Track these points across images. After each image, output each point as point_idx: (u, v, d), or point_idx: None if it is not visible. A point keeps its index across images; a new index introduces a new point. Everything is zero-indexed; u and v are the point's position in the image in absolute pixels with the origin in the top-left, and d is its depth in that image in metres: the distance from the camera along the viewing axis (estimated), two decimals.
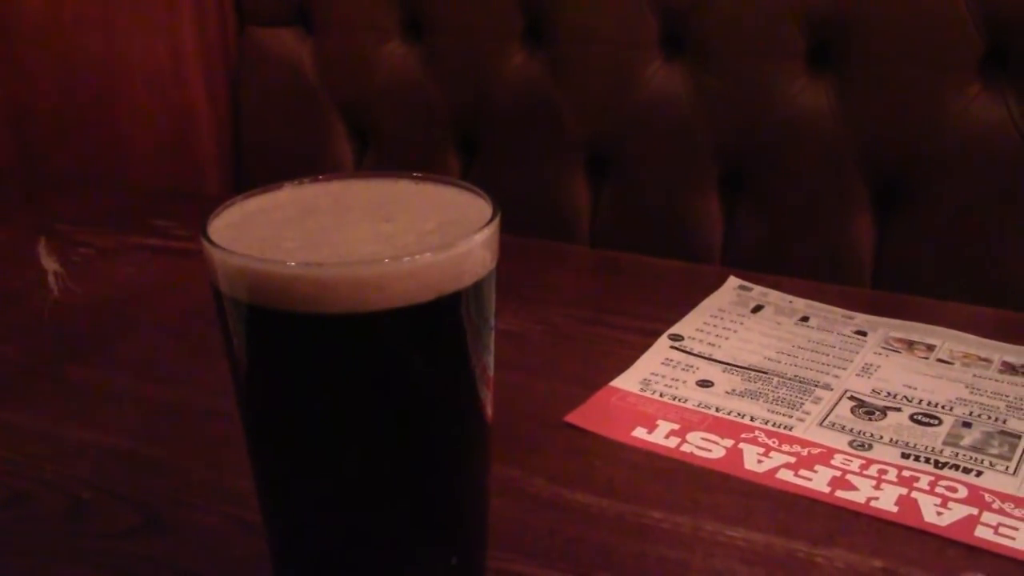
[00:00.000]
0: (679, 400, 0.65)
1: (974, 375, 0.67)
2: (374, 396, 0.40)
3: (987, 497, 0.55)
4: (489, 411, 0.44)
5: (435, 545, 0.43)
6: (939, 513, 0.54)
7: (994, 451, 0.59)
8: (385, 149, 1.27)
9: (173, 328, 0.78)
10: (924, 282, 1.00)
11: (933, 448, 0.59)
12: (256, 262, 0.38)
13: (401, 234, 0.42)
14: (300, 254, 0.40)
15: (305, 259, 0.39)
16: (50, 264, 0.82)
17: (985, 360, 0.69)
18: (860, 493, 0.56)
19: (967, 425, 0.62)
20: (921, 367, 0.68)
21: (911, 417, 0.63)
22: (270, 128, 1.32)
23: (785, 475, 0.58)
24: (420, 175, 0.45)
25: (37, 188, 1.13)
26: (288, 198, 0.44)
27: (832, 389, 0.66)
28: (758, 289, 0.80)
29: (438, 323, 0.40)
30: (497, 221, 0.41)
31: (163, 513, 0.56)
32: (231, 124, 1.32)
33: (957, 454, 0.59)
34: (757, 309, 0.77)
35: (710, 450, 0.60)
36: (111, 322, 0.78)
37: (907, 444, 0.60)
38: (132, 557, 0.53)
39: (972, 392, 0.65)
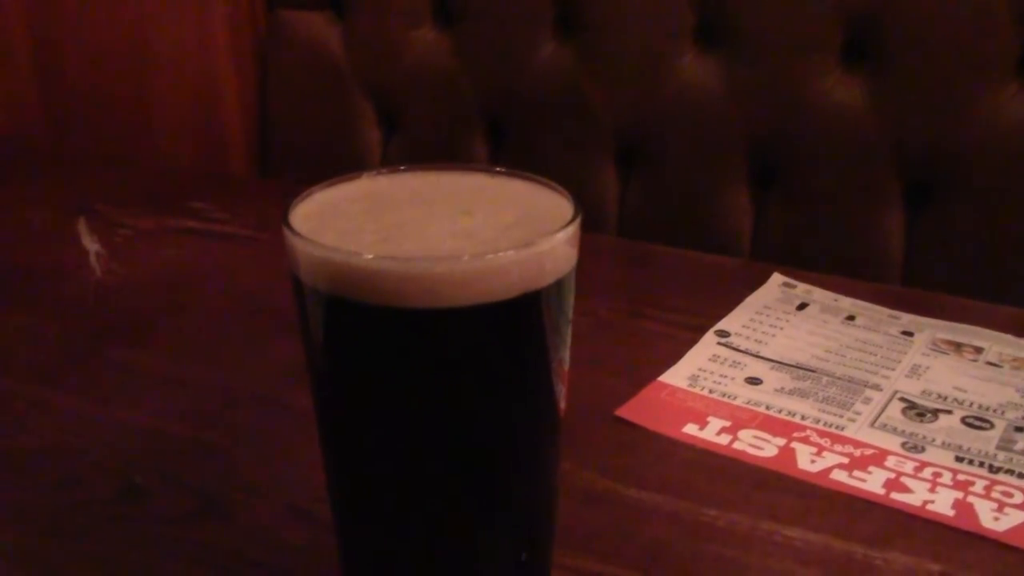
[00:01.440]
0: (728, 397, 0.65)
1: None
2: (451, 391, 0.40)
3: None
4: (562, 405, 0.44)
5: (506, 540, 0.43)
6: (996, 518, 0.54)
7: None
8: (412, 134, 1.27)
9: (217, 312, 0.78)
10: (954, 280, 0.99)
11: (987, 452, 0.59)
12: (339, 254, 0.38)
13: (481, 229, 0.41)
14: (381, 247, 0.40)
15: (386, 252, 0.39)
16: (91, 244, 0.82)
17: None
18: (915, 496, 0.56)
19: (1020, 430, 0.61)
20: (970, 369, 0.68)
21: (963, 420, 0.63)
22: (297, 111, 1.31)
23: (839, 475, 0.58)
24: (498, 169, 0.45)
25: (68, 166, 1.13)
26: (365, 189, 0.44)
27: (882, 390, 0.66)
28: (802, 286, 0.80)
29: (519, 320, 0.40)
30: (579, 219, 0.41)
31: (217, 499, 0.56)
32: (258, 106, 1.31)
33: (1011, 459, 0.59)
34: (802, 307, 0.76)
35: (762, 448, 0.60)
36: (155, 304, 0.78)
37: (960, 447, 0.60)
38: (187, 542, 0.53)
39: (1023, 396, 0.65)
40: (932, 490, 0.56)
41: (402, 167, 0.45)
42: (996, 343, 0.71)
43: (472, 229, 0.41)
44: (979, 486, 0.56)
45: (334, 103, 1.29)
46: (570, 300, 0.42)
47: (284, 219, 0.40)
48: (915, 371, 0.68)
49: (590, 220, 1.26)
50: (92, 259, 0.81)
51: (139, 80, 1.27)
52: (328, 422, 0.43)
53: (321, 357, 0.41)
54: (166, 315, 0.77)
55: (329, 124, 1.30)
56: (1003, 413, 0.63)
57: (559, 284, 0.40)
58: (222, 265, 0.84)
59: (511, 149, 1.20)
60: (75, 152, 1.23)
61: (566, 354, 0.43)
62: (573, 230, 0.40)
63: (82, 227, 0.85)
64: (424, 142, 1.25)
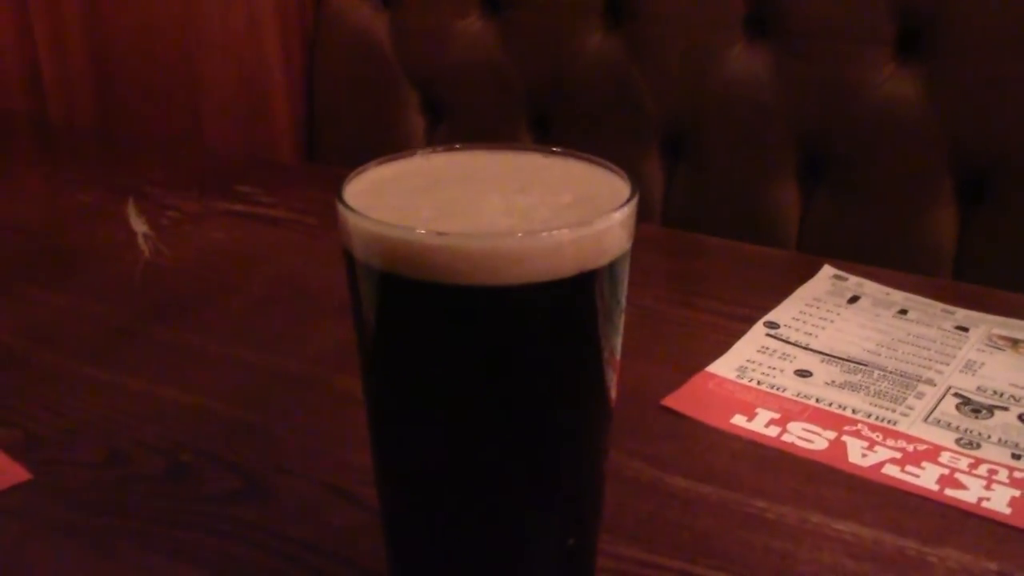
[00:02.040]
0: (777, 389, 0.64)
1: None
2: (503, 371, 0.39)
3: None
4: (613, 394, 0.43)
5: (553, 525, 0.43)
6: None
7: None
8: (457, 124, 1.26)
9: (264, 294, 0.78)
10: (1008, 277, 0.97)
11: None
12: (393, 229, 0.38)
13: (536, 207, 0.41)
14: (436, 224, 0.39)
15: (440, 228, 0.38)
16: (139, 226, 0.82)
17: None
18: (970, 492, 0.55)
19: None
20: None
21: (1020, 417, 0.61)
22: (344, 98, 1.31)
23: (891, 470, 0.56)
24: (554, 149, 0.44)
25: (118, 150, 1.14)
26: (419, 167, 0.44)
27: (935, 385, 0.64)
28: (854, 279, 0.78)
29: (573, 301, 0.39)
30: (636, 199, 0.40)
31: (262, 479, 0.56)
32: (305, 92, 1.32)
33: None
34: (853, 300, 0.75)
35: (812, 441, 0.59)
36: (202, 285, 0.79)
37: (1017, 445, 0.59)
38: (232, 521, 0.53)
39: None
40: (988, 487, 0.55)
41: (457, 145, 0.44)
42: None
43: (527, 208, 0.41)
44: None
45: (381, 91, 1.29)
46: (623, 285, 0.41)
47: (338, 195, 0.40)
48: (970, 367, 0.66)
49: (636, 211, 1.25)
50: (140, 240, 0.82)
51: (189, 68, 1.28)
52: (376, 401, 0.42)
53: (372, 335, 0.41)
54: (212, 296, 0.77)
55: (375, 112, 1.30)
56: None
57: (613, 265, 0.40)
58: (268, 248, 0.85)
59: (557, 139, 1.19)
60: (125, 136, 1.24)
61: (618, 342, 0.42)
62: (630, 210, 0.40)
63: (131, 209, 0.86)
64: (470, 131, 1.25)
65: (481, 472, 0.41)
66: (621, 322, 0.42)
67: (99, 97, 1.28)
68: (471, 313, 0.38)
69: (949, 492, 0.55)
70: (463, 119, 1.26)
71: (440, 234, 0.37)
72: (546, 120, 1.21)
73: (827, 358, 0.67)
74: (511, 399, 0.40)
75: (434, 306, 0.38)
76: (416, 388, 0.41)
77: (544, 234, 0.38)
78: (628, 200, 0.40)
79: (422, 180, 0.43)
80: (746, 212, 1.10)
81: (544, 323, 0.39)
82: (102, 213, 0.91)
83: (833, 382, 0.65)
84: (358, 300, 0.40)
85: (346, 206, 0.39)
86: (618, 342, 0.42)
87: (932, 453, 0.58)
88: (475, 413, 0.40)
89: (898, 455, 0.58)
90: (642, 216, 1.22)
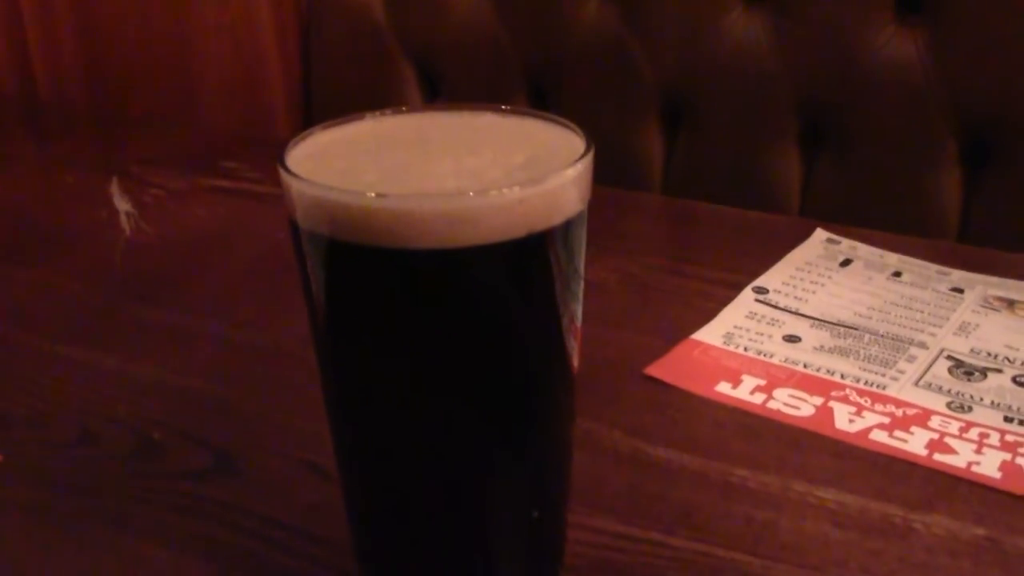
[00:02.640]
0: (764, 355, 0.62)
1: None
2: (457, 339, 0.38)
3: None
4: (575, 362, 0.42)
5: (515, 497, 0.42)
6: None
7: None
8: (455, 97, 1.25)
9: (245, 270, 0.77)
10: (1012, 241, 0.95)
11: None
12: (336, 193, 0.36)
13: (488, 168, 0.39)
14: (381, 187, 0.38)
15: (386, 192, 0.37)
16: (122, 204, 0.82)
17: None
18: (960, 457, 0.53)
19: None
20: (1023, 327, 0.64)
21: (1014, 379, 0.59)
22: (340, 73, 1.30)
23: (879, 436, 0.55)
24: (506, 108, 0.42)
25: (107, 128, 1.13)
26: (368, 130, 0.42)
27: (928, 348, 0.63)
28: (847, 242, 0.76)
29: (526, 263, 0.38)
30: (591, 156, 0.39)
31: (234, 455, 0.55)
32: (301, 68, 1.30)
33: None
34: (846, 263, 0.73)
35: (798, 408, 0.57)
36: (183, 263, 0.78)
37: (1010, 407, 0.57)
38: (202, 499, 0.52)
39: None
40: (978, 451, 0.53)
41: (404, 107, 0.43)
42: None
43: (478, 168, 0.39)
44: None
45: (377, 65, 1.28)
46: (581, 249, 0.40)
47: (280, 160, 0.39)
48: (964, 329, 0.64)
49: (635, 179, 1.23)
50: (122, 219, 0.81)
51: (182, 47, 1.27)
52: (329, 372, 0.41)
53: (321, 305, 0.39)
54: (192, 273, 0.76)
55: (372, 87, 1.29)
56: None
57: (568, 226, 0.38)
58: (251, 224, 0.83)
59: (555, 109, 1.17)
60: (112, 114, 1.23)
61: (578, 310, 0.41)
62: (583, 167, 0.38)
63: (114, 187, 0.85)
64: (467, 103, 1.23)
65: (437, 442, 0.40)
66: (580, 290, 0.40)
67: (90, 77, 1.27)
68: (421, 278, 0.37)
69: (938, 457, 0.53)
70: (460, 93, 1.25)
71: (382, 196, 0.36)
72: (544, 92, 1.19)
73: (817, 323, 0.66)
74: (465, 366, 0.38)
75: (380, 272, 0.37)
76: (367, 357, 0.39)
77: (493, 193, 0.36)
78: (581, 156, 0.38)
79: (370, 144, 0.41)
80: (747, 180, 1.09)
81: (498, 287, 0.38)
82: (86, 192, 0.90)
83: (822, 347, 0.63)
84: (304, 269, 0.39)
85: (288, 171, 0.38)
86: (579, 309, 0.41)
87: (922, 417, 0.56)
88: (429, 381, 0.39)
89: (886, 420, 0.56)
90: (642, 185, 1.20)
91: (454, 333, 0.38)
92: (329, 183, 0.37)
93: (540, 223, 0.37)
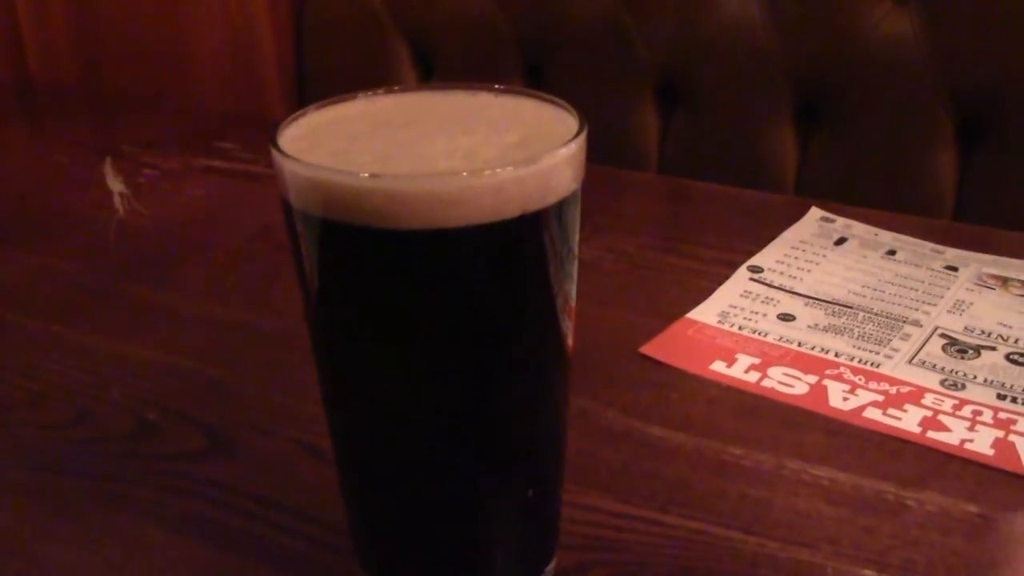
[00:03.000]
0: (759, 334, 0.62)
1: None
2: (450, 319, 0.38)
3: None
4: (570, 342, 0.42)
5: (511, 476, 0.42)
6: None
7: None
8: (449, 77, 1.24)
9: (239, 250, 0.77)
10: (1008, 219, 0.95)
11: None
12: (329, 173, 0.36)
13: (482, 148, 0.39)
14: (374, 167, 0.38)
15: (379, 171, 0.37)
16: (116, 185, 0.81)
17: None
18: (953, 435, 0.53)
19: None
20: (1016, 305, 0.65)
21: (1007, 357, 0.59)
22: (333, 53, 1.29)
23: (872, 414, 0.55)
24: (500, 87, 0.42)
25: (100, 109, 1.12)
26: (361, 110, 0.42)
27: (921, 326, 0.63)
28: (841, 221, 0.76)
29: (519, 243, 0.38)
30: (584, 135, 0.39)
31: (229, 436, 0.56)
32: (294, 48, 1.30)
33: None
34: (840, 241, 0.73)
35: (792, 386, 0.57)
36: (177, 243, 0.77)
37: (1003, 385, 0.57)
38: (197, 479, 0.52)
39: None
40: (971, 428, 0.54)
41: (397, 87, 0.43)
42: None
43: (472, 148, 0.39)
44: (1021, 424, 0.53)
45: (371, 45, 1.27)
46: (575, 229, 0.40)
47: (272, 140, 0.39)
48: (958, 307, 0.65)
49: (631, 158, 1.23)
50: (116, 200, 0.81)
51: (174, 26, 1.26)
52: (322, 352, 0.41)
53: (314, 286, 0.39)
54: (187, 254, 0.76)
55: (366, 67, 1.28)
56: None
57: (561, 206, 0.38)
58: (245, 204, 0.83)
59: (550, 88, 1.16)
60: (105, 95, 1.22)
61: (572, 290, 0.41)
62: (577, 146, 0.38)
63: (108, 168, 0.84)
64: None
65: (432, 423, 0.40)
66: (575, 271, 0.40)
67: (82, 57, 1.27)
68: (414, 258, 0.37)
69: (931, 435, 0.53)
70: (455, 72, 1.24)
71: (375, 177, 0.36)
72: (539, 71, 1.19)
73: (811, 301, 0.66)
74: (459, 346, 0.38)
75: (374, 253, 0.37)
76: (360, 337, 0.39)
77: (487, 173, 0.36)
78: (575, 136, 0.38)
79: (363, 124, 0.41)
80: (743, 158, 1.08)
81: (491, 267, 0.38)
82: (79, 173, 0.89)
83: (816, 325, 0.63)
84: (297, 250, 0.39)
85: (280, 151, 0.38)
86: (572, 289, 0.41)
87: (915, 395, 0.56)
88: (422, 361, 0.39)
89: (880, 398, 0.56)
90: (639, 164, 1.20)
91: (448, 313, 0.38)
92: (322, 163, 0.37)
93: (534, 203, 0.37)
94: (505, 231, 0.37)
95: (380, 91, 0.43)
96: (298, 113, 0.41)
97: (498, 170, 0.36)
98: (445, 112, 0.42)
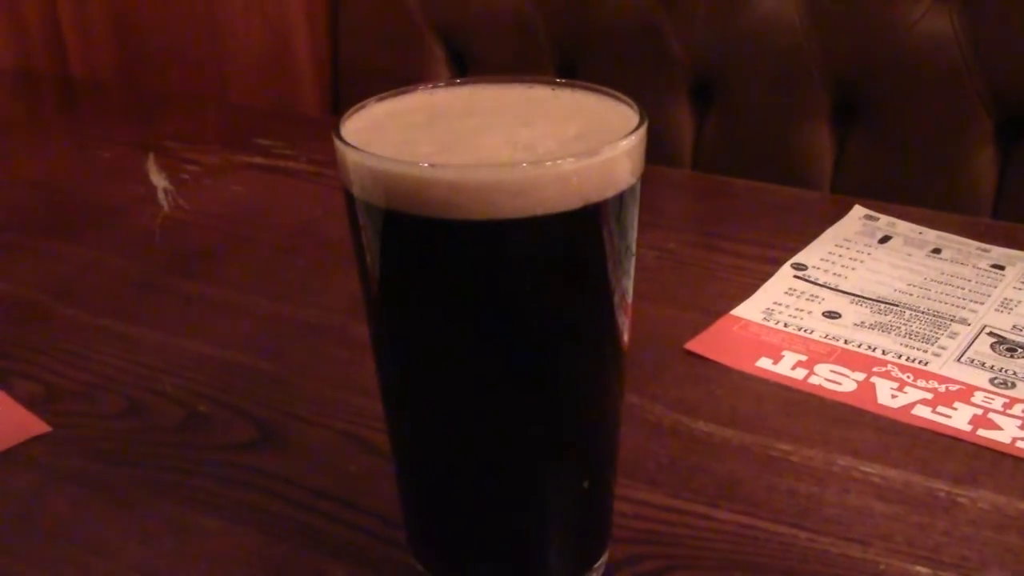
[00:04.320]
0: (805, 331, 0.62)
1: None
2: (511, 310, 0.38)
3: None
4: (626, 337, 0.42)
5: (566, 467, 0.42)
6: None
7: None
8: (483, 74, 1.24)
9: (282, 245, 0.77)
10: None
11: None
12: (392, 163, 0.36)
13: (541, 140, 0.39)
14: (436, 158, 0.38)
15: (441, 162, 0.37)
16: (159, 180, 0.82)
17: None
18: (1005, 433, 0.53)
19: None
20: None
21: None
22: (368, 51, 1.30)
23: (922, 411, 0.55)
24: (558, 80, 0.42)
25: (140, 106, 1.13)
26: (420, 102, 0.42)
27: (969, 324, 0.62)
28: (885, 219, 0.76)
29: (580, 235, 0.38)
30: (644, 128, 0.39)
31: (279, 427, 0.56)
32: (329, 45, 1.30)
33: None
34: (885, 240, 0.73)
35: (840, 383, 0.57)
36: (220, 238, 0.78)
37: None
38: (249, 470, 0.53)
39: None
40: (1023, 427, 0.53)
41: (458, 80, 0.43)
42: None
43: (532, 140, 0.39)
44: None
45: (405, 42, 1.27)
46: (633, 227, 0.40)
47: (335, 131, 0.39)
48: (1006, 305, 0.64)
49: (665, 156, 1.23)
50: (160, 195, 0.82)
51: (211, 23, 1.27)
52: (382, 344, 0.41)
53: (375, 276, 0.39)
54: (230, 249, 0.76)
55: (400, 65, 1.28)
56: None
57: (621, 199, 0.38)
58: (287, 200, 0.84)
59: None
60: (146, 92, 1.23)
61: (629, 287, 0.41)
62: (637, 139, 0.38)
63: (151, 164, 0.85)
64: None
65: (490, 413, 0.40)
66: (632, 267, 0.40)
67: (121, 54, 1.28)
68: (473, 248, 0.37)
69: (982, 433, 0.53)
70: (488, 70, 1.24)
71: (436, 167, 0.36)
72: (573, 69, 1.18)
73: (856, 299, 0.65)
74: (518, 338, 0.39)
75: (435, 243, 0.37)
76: (421, 329, 0.40)
77: (548, 164, 0.36)
78: (636, 128, 0.38)
79: (423, 115, 0.41)
80: (779, 156, 1.08)
81: (550, 260, 0.38)
82: (123, 169, 0.90)
83: (863, 323, 0.63)
84: (359, 240, 0.39)
85: (343, 142, 0.38)
86: (629, 287, 0.41)
87: (965, 393, 0.56)
88: (482, 353, 0.39)
89: (929, 396, 0.56)
90: (672, 162, 1.19)
91: (508, 304, 0.38)
92: (384, 154, 0.37)
93: (594, 195, 0.37)
94: (566, 223, 0.37)
95: (439, 83, 0.43)
96: (359, 105, 0.41)
97: (559, 161, 0.36)
98: (503, 105, 0.43)
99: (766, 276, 0.69)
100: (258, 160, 0.91)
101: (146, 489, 0.52)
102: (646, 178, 0.89)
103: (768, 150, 1.08)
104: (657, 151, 1.22)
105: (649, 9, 1.11)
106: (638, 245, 0.73)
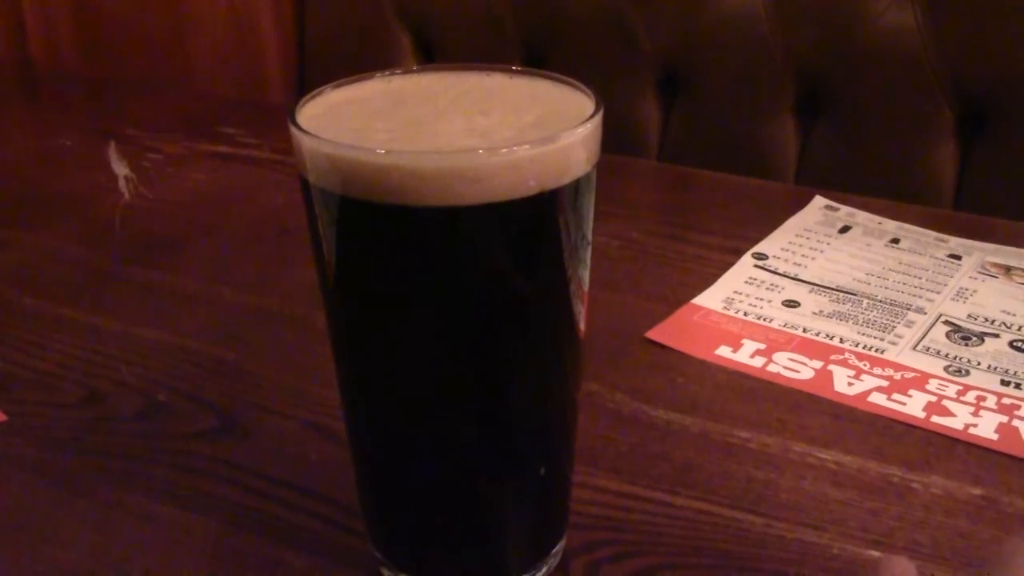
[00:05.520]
0: (764, 320, 0.63)
1: None
2: (467, 297, 0.38)
3: None
4: (582, 325, 0.42)
5: (524, 454, 0.42)
6: None
7: None
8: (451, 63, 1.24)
9: (244, 234, 0.77)
10: (1008, 210, 0.96)
11: None
12: (348, 150, 0.36)
13: (498, 127, 0.39)
14: (393, 145, 0.38)
15: (398, 149, 0.37)
16: (120, 169, 0.81)
17: None
18: (957, 419, 0.54)
19: None
20: (1019, 293, 0.65)
21: (1011, 344, 0.60)
22: (334, 39, 1.29)
23: (877, 399, 0.56)
24: (516, 68, 0.43)
25: (102, 93, 1.12)
26: (378, 89, 0.42)
27: (926, 313, 0.63)
28: (845, 209, 0.77)
29: (535, 222, 0.38)
30: (600, 115, 0.39)
31: (239, 416, 0.56)
32: (296, 32, 1.30)
33: None
34: (845, 230, 0.74)
35: (798, 371, 0.58)
36: (182, 227, 0.78)
37: (1007, 371, 0.57)
38: (208, 459, 0.53)
39: None
40: (975, 414, 0.54)
41: (416, 67, 0.43)
42: None
43: (489, 128, 0.39)
44: None
45: (371, 33, 1.27)
46: (589, 211, 0.40)
47: (291, 117, 0.39)
48: (961, 294, 0.65)
49: (632, 147, 1.23)
50: (121, 183, 0.81)
51: (175, 12, 1.26)
52: (338, 331, 0.41)
53: (331, 261, 0.39)
54: (192, 237, 0.76)
55: (367, 56, 1.28)
56: None
57: (577, 186, 0.38)
58: (250, 188, 0.83)
59: None
60: (108, 79, 1.22)
61: (585, 275, 0.41)
62: (593, 126, 0.38)
63: (112, 152, 0.84)
64: None
65: (448, 400, 0.40)
66: (588, 255, 0.41)
67: (83, 39, 1.26)
68: (431, 236, 0.37)
69: (936, 419, 0.54)
70: (456, 60, 1.23)
71: (393, 153, 0.36)
72: (541, 61, 1.18)
73: (816, 288, 0.66)
74: (474, 325, 0.39)
75: (391, 230, 0.37)
76: (377, 316, 0.40)
77: (504, 151, 0.36)
78: (592, 116, 0.38)
79: (380, 102, 0.41)
80: (744, 148, 1.09)
81: (507, 246, 0.38)
82: (83, 157, 0.89)
83: (821, 312, 0.63)
84: (315, 227, 0.39)
85: (299, 128, 0.38)
86: (586, 274, 0.41)
87: (920, 381, 0.57)
88: (438, 339, 0.39)
89: (885, 383, 0.57)
90: (639, 153, 1.19)
91: (464, 291, 0.38)
92: (339, 140, 0.37)
93: (550, 181, 0.37)
94: (521, 209, 0.37)
95: (397, 71, 0.43)
96: (315, 92, 0.41)
97: (515, 148, 0.36)
98: (461, 92, 0.43)
99: (727, 266, 0.69)
100: (221, 148, 0.90)
101: (104, 478, 0.52)
102: (612, 168, 0.89)
103: (733, 141, 1.09)
104: (623, 142, 1.23)
105: (616, 2, 1.11)
106: (601, 234, 0.74)
